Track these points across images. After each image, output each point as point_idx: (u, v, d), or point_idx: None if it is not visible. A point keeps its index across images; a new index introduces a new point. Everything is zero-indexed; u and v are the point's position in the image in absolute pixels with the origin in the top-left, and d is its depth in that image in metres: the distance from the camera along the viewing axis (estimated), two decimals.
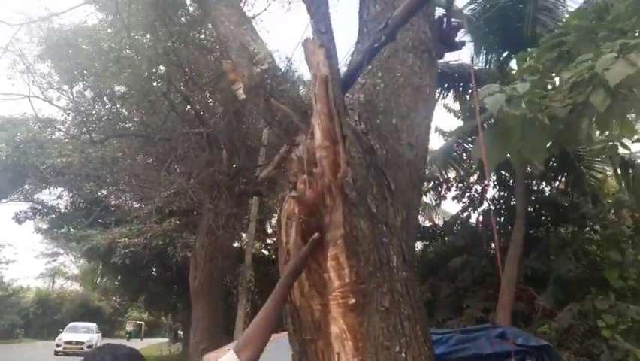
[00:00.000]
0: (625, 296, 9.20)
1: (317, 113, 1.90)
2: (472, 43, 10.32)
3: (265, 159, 12.72)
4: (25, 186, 18.33)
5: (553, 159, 10.93)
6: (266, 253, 19.65)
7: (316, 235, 1.86)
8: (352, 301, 1.87)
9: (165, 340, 35.62)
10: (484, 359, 3.18)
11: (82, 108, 12.64)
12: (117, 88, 11.82)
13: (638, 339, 8.47)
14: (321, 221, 1.90)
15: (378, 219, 1.95)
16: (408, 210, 2.17)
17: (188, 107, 10.60)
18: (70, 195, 17.26)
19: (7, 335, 30.88)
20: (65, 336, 24.81)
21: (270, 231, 19.83)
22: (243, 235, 15.51)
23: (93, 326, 27.55)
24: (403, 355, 1.84)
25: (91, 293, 40.39)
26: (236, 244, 14.85)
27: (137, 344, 31.04)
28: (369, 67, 2.60)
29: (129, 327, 42.56)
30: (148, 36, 10.13)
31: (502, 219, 12.58)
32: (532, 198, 11.65)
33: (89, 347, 23.18)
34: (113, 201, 17.72)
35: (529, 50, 3.21)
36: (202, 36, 10.87)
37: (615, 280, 8.82)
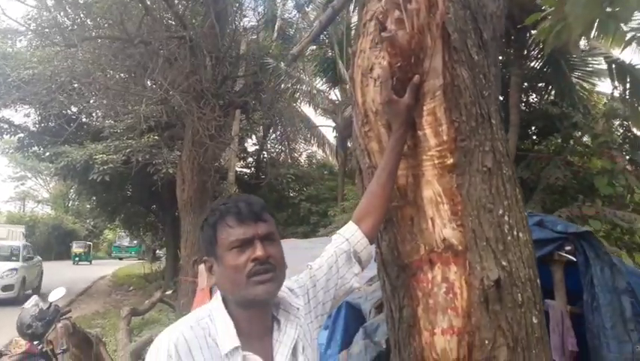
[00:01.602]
0: (611, 203, 9.46)
1: None
2: None
3: (245, 71, 12.13)
4: None
5: (545, 68, 10.79)
6: (247, 170, 19.43)
7: (416, 77, 1.59)
8: (451, 161, 1.65)
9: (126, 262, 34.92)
10: None
11: (44, 16, 11.60)
12: None
13: (621, 243, 8.79)
14: (416, 69, 1.63)
15: (479, 68, 1.69)
16: (495, 68, 1.91)
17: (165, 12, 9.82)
18: (39, 112, 16.30)
19: None
20: None
21: (250, 149, 19.51)
22: (223, 155, 15.15)
23: (17, 246, 15.87)
24: (506, 218, 1.66)
25: (64, 216, 39.90)
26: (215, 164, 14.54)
27: (87, 269, 28.25)
28: None
29: (77, 249, 35.09)
30: None
31: None
32: (522, 108, 11.59)
33: (5, 288, 13.30)
34: (85, 118, 16.94)
35: None
36: None
37: (604, 187, 8.98)
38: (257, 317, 1.30)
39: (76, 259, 33.92)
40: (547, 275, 3.35)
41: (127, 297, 16.45)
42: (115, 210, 20.32)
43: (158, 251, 27.15)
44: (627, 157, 9.60)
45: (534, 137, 12.10)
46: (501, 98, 11.91)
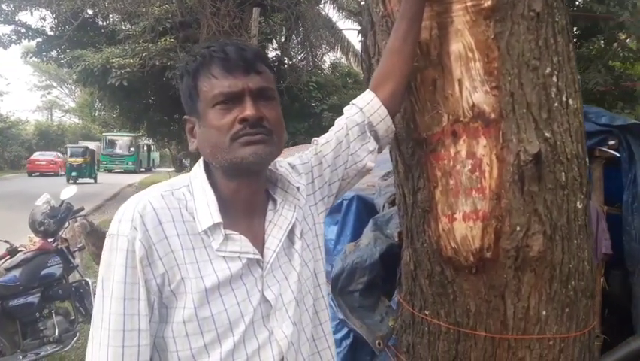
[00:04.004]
0: None
1: None
2: None
3: None
4: (3, 6, 16.72)
5: None
6: None
7: None
8: (488, 2, 1.28)
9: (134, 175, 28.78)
10: None
11: None
12: None
13: None
14: None
15: None
16: None
17: None
18: (54, 15, 15.80)
19: (14, 165, 31.35)
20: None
21: (271, 55, 18.78)
22: None
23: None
24: (555, 79, 1.32)
25: (91, 125, 40.36)
26: None
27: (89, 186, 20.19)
28: None
29: (72, 158, 23.09)
30: None
31: None
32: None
33: None
34: (101, 22, 16.43)
35: None
36: None
37: None
38: (246, 191, 1.03)
39: (73, 174, 22.01)
40: None
41: None
42: (138, 119, 20.25)
43: (184, 161, 27.35)
44: None
45: (575, 39, 11.21)
46: None
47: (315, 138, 1.26)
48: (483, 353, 1.39)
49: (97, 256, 5.76)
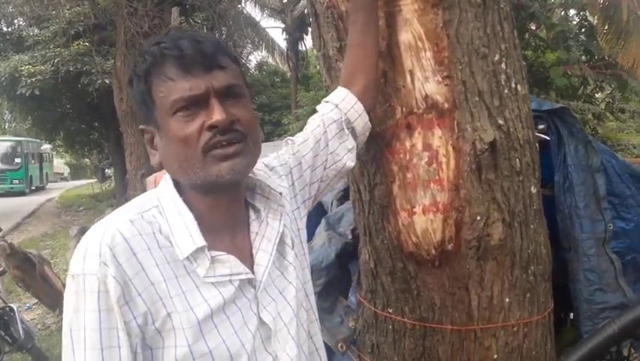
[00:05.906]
0: (562, 96, 9.43)
1: None
2: None
3: None
4: None
5: None
6: None
7: None
8: None
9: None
10: None
11: None
12: None
13: None
14: None
15: None
16: None
17: None
18: None
19: None
20: None
21: None
22: None
23: None
24: (503, 66, 1.32)
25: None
26: None
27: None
28: None
29: None
30: None
31: None
32: None
33: None
34: (5, 27, 15.28)
35: None
36: None
37: (559, 78, 8.85)
38: (224, 204, 0.90)
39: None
40: None
41: (77, 217, 15.82)
42: (54, 129, 19.04)
43: (107, 170, 25.89)
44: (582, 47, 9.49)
45: None
46: None
47: (290, 138, 1.15)
48: (450, 346, 1.37)
49: (20, 280, 5.32)
